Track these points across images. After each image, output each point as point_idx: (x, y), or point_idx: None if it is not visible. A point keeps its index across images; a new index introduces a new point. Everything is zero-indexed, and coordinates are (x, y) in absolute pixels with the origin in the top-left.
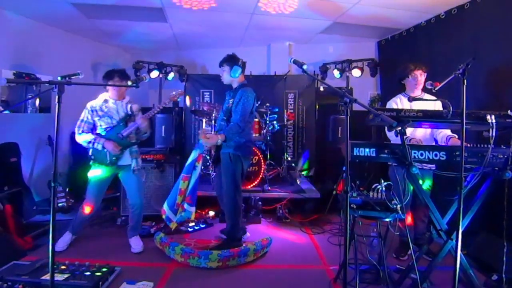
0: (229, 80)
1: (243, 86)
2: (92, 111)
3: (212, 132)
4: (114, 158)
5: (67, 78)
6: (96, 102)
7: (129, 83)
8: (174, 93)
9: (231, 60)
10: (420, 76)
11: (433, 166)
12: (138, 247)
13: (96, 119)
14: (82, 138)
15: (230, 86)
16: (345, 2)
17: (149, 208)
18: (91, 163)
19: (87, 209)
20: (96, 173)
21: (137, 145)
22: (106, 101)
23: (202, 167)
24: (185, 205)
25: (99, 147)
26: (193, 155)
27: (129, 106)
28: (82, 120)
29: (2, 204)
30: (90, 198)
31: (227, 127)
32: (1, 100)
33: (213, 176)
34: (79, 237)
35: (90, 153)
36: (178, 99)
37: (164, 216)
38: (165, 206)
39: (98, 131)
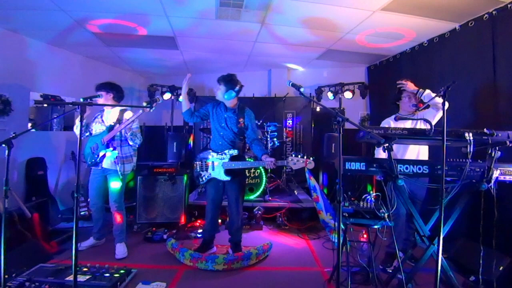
0: (222, 99)
1: (245, 106)
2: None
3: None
4: (92, 160)
5: (88, 100)
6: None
7: (144, 104)
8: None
9: (229, 83)
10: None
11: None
12: (120, 254)
13: (92, 124)
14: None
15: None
16: (337, 32)
17: (162, 216)
18: None
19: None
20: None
21: (125, 152)
22: (102, 110)
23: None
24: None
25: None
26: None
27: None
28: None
29: (30, 213)
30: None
31: (258, 144)
32: (29, 119)
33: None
34: (99, 243)
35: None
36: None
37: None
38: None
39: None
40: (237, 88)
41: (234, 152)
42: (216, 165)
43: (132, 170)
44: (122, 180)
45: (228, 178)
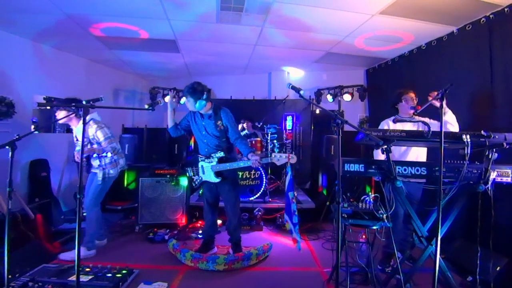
0: (195, 110)
1: (219, 106)
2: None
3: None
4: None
5: (91, 102)
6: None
7: (146, 106)
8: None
9: (195, 94)
10: (414, 99)
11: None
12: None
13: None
14: None
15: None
16: (336, 35)
17: (163, 217)
18: None
19: None
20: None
21: (103, 159)
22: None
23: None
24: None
25: None
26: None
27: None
28: None
29: (34, 214)
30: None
31: (243, 143)
32: (32, 121)
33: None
34: (101, 244)
35: None
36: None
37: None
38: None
39: None
40: (204, 95)
41: (221, 154)
42: (205, 168)
43: (122, 169)
44: (103, 182)
45: (218, 180)
